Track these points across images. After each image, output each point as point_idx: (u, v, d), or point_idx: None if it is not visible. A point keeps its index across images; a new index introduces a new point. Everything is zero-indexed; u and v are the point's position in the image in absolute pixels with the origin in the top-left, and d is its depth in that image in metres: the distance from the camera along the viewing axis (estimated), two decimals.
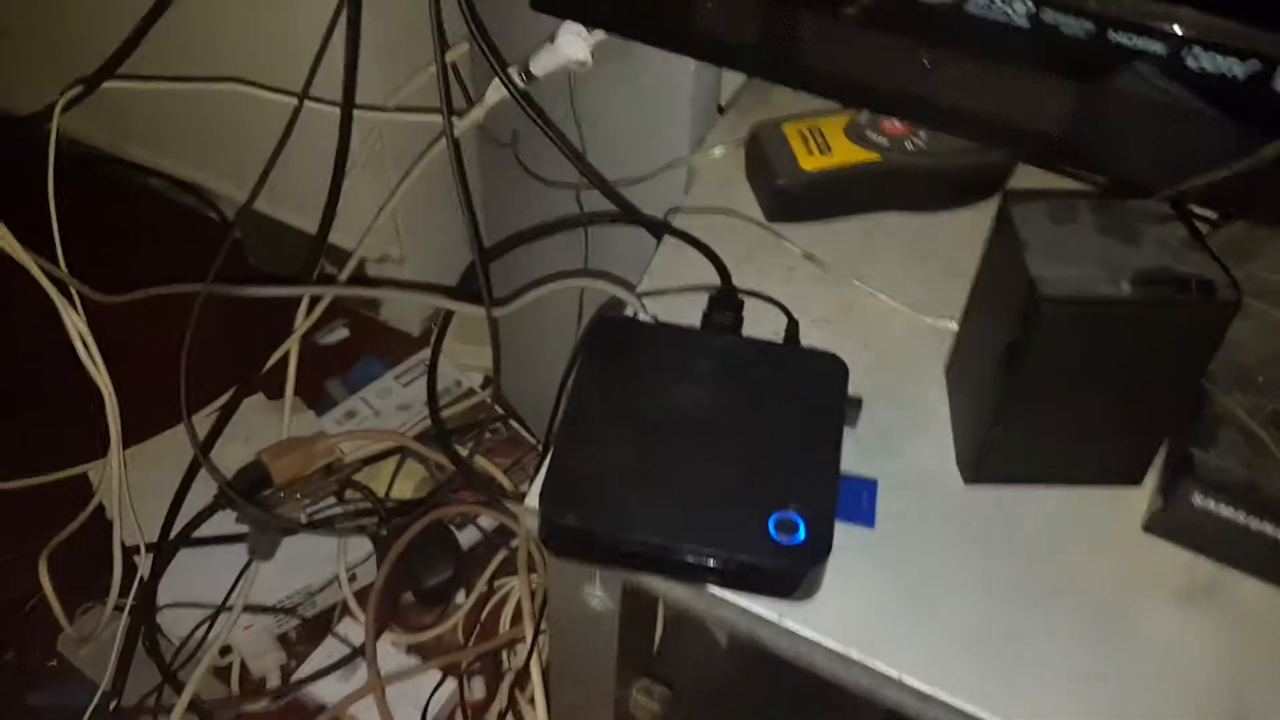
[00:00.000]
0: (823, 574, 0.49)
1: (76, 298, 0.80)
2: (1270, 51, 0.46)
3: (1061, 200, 0.51)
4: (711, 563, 0.48)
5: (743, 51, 0.57)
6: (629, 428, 0.51)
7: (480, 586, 1.05)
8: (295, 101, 0.74)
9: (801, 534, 0.48)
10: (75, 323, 0.80)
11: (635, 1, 0.58)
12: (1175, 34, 0.47)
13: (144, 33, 0.72)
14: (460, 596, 1.05)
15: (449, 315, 0.97)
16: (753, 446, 0.51)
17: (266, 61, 0.98)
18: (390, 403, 1.16)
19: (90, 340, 0.81)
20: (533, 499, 0.50)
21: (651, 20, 0.58)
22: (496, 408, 1.13)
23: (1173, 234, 0.49)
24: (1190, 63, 0.47)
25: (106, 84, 0.75)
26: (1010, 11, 0.49)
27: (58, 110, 0.76)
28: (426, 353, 1.22)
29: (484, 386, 1.18)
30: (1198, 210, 0.59)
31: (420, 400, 1.16)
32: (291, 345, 0.98)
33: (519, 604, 1.02)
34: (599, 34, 0.64)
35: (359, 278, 1.12)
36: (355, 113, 0.75)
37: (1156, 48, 0.47)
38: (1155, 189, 0.51)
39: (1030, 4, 0.48)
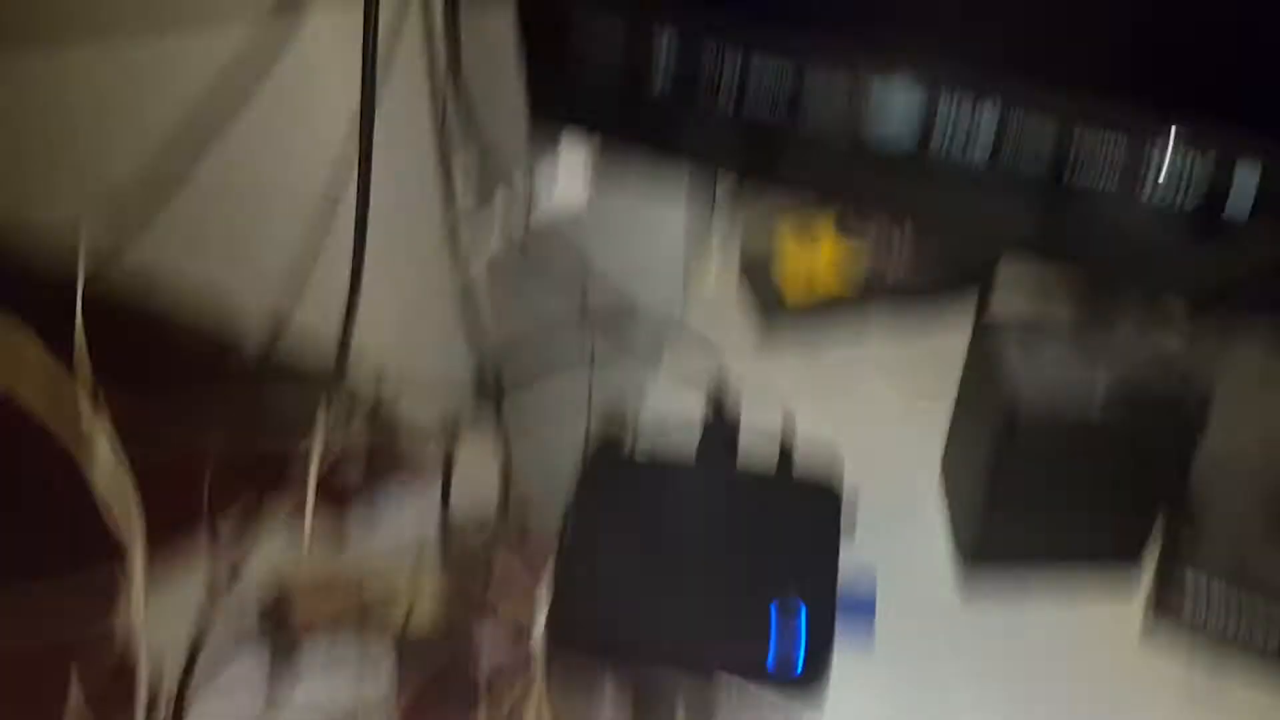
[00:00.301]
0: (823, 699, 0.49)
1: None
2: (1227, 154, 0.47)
3: (1032, 323, 0.53)
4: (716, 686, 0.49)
5: (730, 162, 0.60)
6: (631, 554, 0.53)
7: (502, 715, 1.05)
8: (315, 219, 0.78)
9: (800, 666, 0.49)
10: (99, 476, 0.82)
11: (629, 120, 0.60)
12: (1140, 141, 0.48)
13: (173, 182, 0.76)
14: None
15: (459, 431, 0.99)
16: (752, 571, 0.52)
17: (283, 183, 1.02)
18: (410, 518, 1.18)
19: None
20: (539, 628, 0.52)
21: (643, 134, 0.61)
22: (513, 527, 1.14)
23: (1145, 340, 0.51)
24: (1156, 169, 0.49)
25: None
26: (976, 123, 0.51)
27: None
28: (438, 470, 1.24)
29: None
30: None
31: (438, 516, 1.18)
32: (312, 474, 1.00)
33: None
34: (592, 173, 0.67)
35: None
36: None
37: (1118, 153, 0.49)
38: (1130, 286, 0.53)
39: (996, 110, 0.50)
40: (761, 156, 0.59)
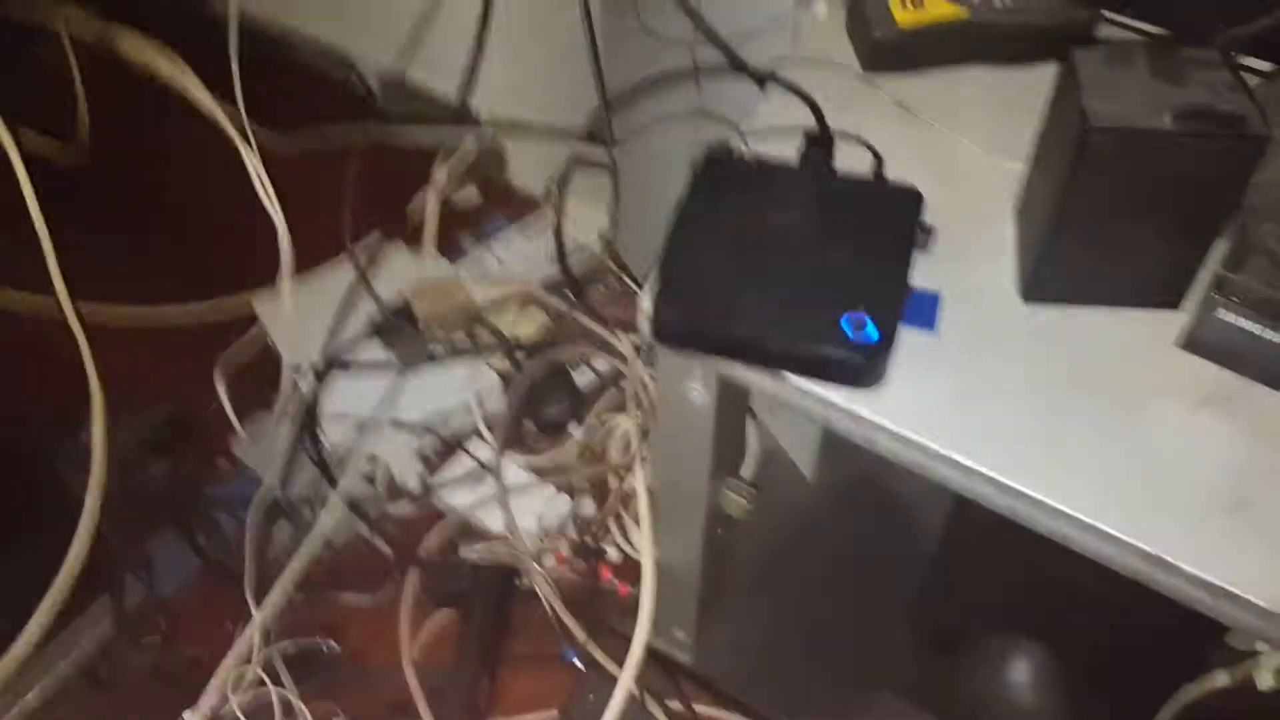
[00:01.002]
0: (886, 365, 0.58)
1: (254, 141, 0.93)
2: None
3: (1119, 47, 0.57)
4: (792, 351, 0.57)
5: None
6: (729, 242, 0.61)
7: (592, 420, 1.17)
8: None
9: (869, 330, 0.57)
10: (254, 162, 0.92)
11: None
12: None
13: None
14: (574, 428, 1.17)
15: (569, 172, 1.07)
16: (835, 260, 0.60)
17: None
18: (515, 254, 1.27)
19: (266, 177, 0.93)
20: (644, 300, 0.60)
21: None
22: (610, 262, 1.24)
23: (1217, 78, 0.56)
24: None
25: None
26: None
27: None
28: (548, 211, 1.32)
29: (600, 243, 1.28)
30: (1255, 63, 0.65)
31: (542, 254, 1.27)
32: (431, 195, 1.10)
33: (626, 436, 1.13)
34: None
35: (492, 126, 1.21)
36: None
37: None
38: (1209, 37, 0.57)
39: None
40: None
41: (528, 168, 1.37)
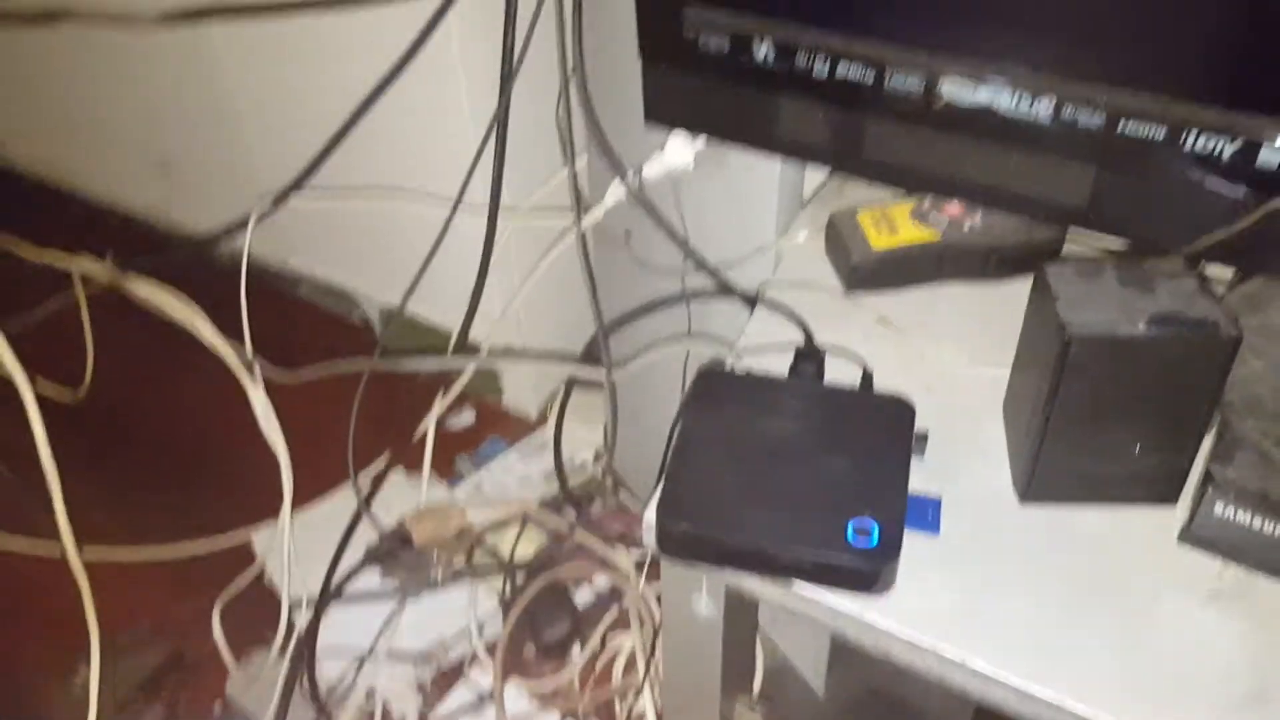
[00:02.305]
0: (895, 572, 0.58)
1: (259, 375, 0.95)
2: (1251, 133, 0.56)
3: (1088, 261, 0.61)
4: (800, 561, 0.58)
5: (817, 150, 0.70)
6: (729, 455, 0.62)
7: (595, 642, 1.15)
8: (445, 209, 0.89)
9: (875, 537, 0.58)
10: (258, 396, 0.95)
11: (731, 114, 0.71)
12: (1172, 120, 0.57)
13: (326, 155, 0.88)
14: (577, 650, 1.15)
15: (567, 394, 1.10)
16: (834, 469, 0.61)
17: (412, 180, 1.15)
18: (512, 477, 1.29)
19: (270, 410, 0.96)
20: (649, 515, 0.61)
21: (744, 128, 0.71)
22: (608, 480, 1.25)
23: (1185, 286, 0.59)
24: (1187, 144, 0.58)
25: (291, 200, 0.91)
26: (1035, 108, 0.60)
27: (252, 221, 0.93)
28: (544, 432, 1.35)
29: (595, 462, 1.30)
30: (1217, 268, 0.69)
31: (539, 474, 1.29)
32: (430, 422, 1.12)
33: (630, 656, 1.11)
34: (700, 142, 0.77)
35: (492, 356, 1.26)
36: (498, 215, 0.89)
37: (1158, 132, 0.58)
38: (1171, 248, 0.61)
39: (1051, 101, 0.60)
40: (847, 150, 0.69)
41: (523, 391, 1.41)
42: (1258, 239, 0.59)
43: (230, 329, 0.97)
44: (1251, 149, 0.56)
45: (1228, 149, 0.57)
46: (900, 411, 0.65)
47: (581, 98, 0.77)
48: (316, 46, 1.16)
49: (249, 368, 0.94)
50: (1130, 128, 0.59)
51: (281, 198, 0.92)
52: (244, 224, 0.95)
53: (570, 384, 1.02)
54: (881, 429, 0.64)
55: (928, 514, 0.62)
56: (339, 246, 1.43)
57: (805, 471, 0.61)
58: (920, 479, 0.63)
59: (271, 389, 0.96)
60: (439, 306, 1.30)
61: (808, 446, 0.62)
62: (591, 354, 0.93)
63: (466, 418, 1.42)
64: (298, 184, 0.90)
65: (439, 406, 1.12)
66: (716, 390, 0.66)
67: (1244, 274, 0.68)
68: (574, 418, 1.31)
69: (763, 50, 0.66)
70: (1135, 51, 0.58)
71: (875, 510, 0.58)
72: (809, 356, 0.69)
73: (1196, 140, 0.57)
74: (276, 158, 1.01)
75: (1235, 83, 0.56)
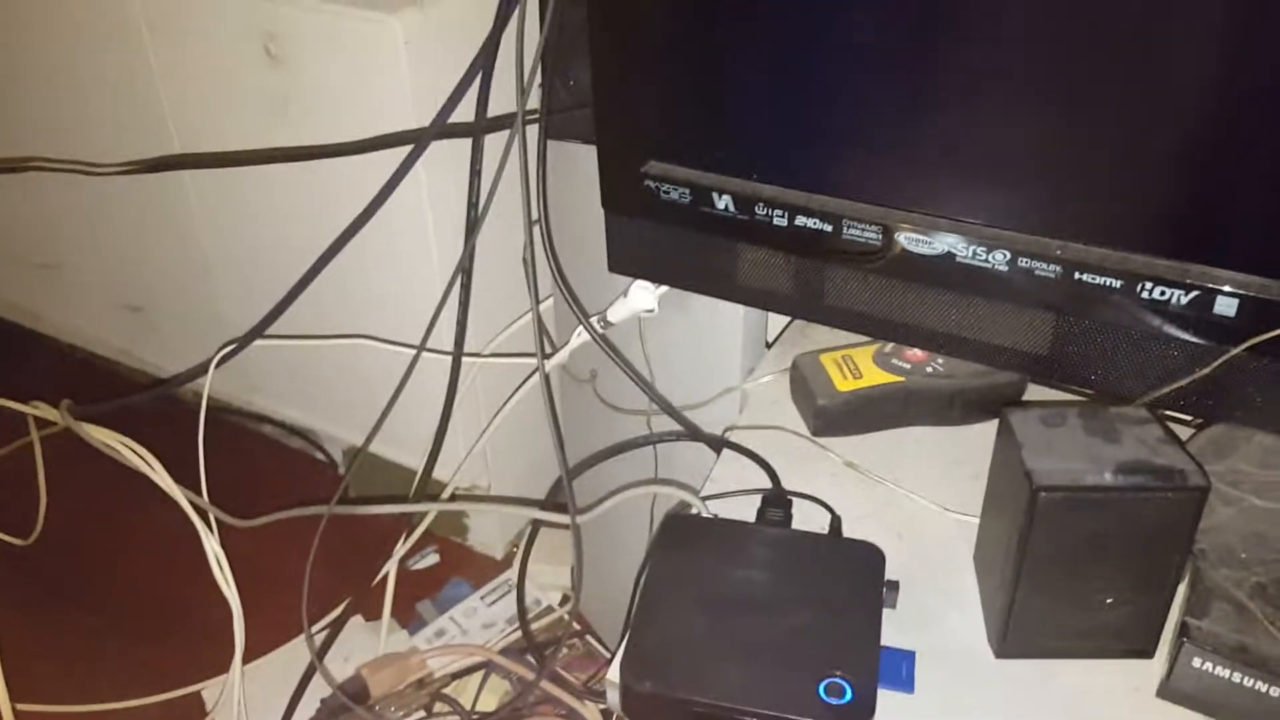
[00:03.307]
0: None
1: (215, 524, 0.93)
2: (1205, 284, 0.57)
3: (1052, 408, 0.61)
4: None
5: (778, 298, 0.70)
6: (696, 607, 0.60)
7: None
8: (410, 353, 0.89)
9: (848, 696, 0.55)
10: (213, 546, 0.92)
11: (693, 263, 0.71)
12: (1127, 272, 0.58)
13: (292, 300, 0.88)
14: None
15: (533, 536, 1.08)
16: (804, 622, 0.59)
17: (378, 323, 1.14)
18: (476, 621, 1.25)
19: (225, 561, 0.93)
20: (614, 672, 0.59)
21: (706, 276, 0.72)
22: (574, 624, 1.21)
23: (1149, 433, 0.59)
24: (1143, 294, 0.59)
25: (255, 342, 0.91)
26: (991, 259, 0.61)
27: (213, 364, 0.92)
28: (510, 574, 1.32)
29: (562, 604, 1.26)
30: (1181, 416, 0.69)
31: (503, 618, 1.25)
32: (391, 567, 1.10)
33: None
34: (664, 288, 0.78)
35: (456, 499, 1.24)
36: (462, 359, 0.89)
37: (1114, 283, 0.59)
38: (1133, 397, 0.62)
39: (1007, 253, 0.61)
40: (807, 297, 0.69)
41: (488, 530, 1.38)
42: (1218, 386, 0.60)
43: (190, 472, 0.95)
44: (1207, 298, 0.57)
45: (1183, 299, 0.58)
46: (870, 559, 0.63)
47: (546, 244, 0.78)
48: (286, 194, 1.17)
49: (204, 515, 0.92)
50: (1086, 278, 0.60)
51: (245, 342, 0.91)
52: (206, 368, 0.94)
53: (536, 527, 1.00)
54: (852, 578, 0.62)
55: (901, 670, 0.60)
56: (304, 387, 1.42)
57: (774, 625, 0.59)
58: (893, 631, 0.62)
59: (230, 533, 0.94)
60: (404, 446, 1.28)
61: (777, 597, 0.61)
62: (557, 497, 0.91)
63: (430, 559, 1.38)
64: (260, 330, 0.90)
65: (400, 550, 1.10)
66: (683, 538, 0.65)
67: (1207, 420, 0.69)
68: (541, 559, 1.29)
69: (721, 202, 0.68)
70: (1088, 205, 0.59)
71: (847, 668, 0.56)
72: (776, 502, 0.68)
73: (1152, 291, 0.58)
74: (244, 302, 1.01)
75: (1187, 235, 0.57)
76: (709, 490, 0.72)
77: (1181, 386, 0.60)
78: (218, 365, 0.92)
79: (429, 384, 0.93)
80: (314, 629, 1.14)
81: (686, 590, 0.61)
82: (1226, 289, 0.56)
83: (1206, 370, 0.59)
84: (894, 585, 0.63)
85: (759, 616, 0.60)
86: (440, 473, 1.10)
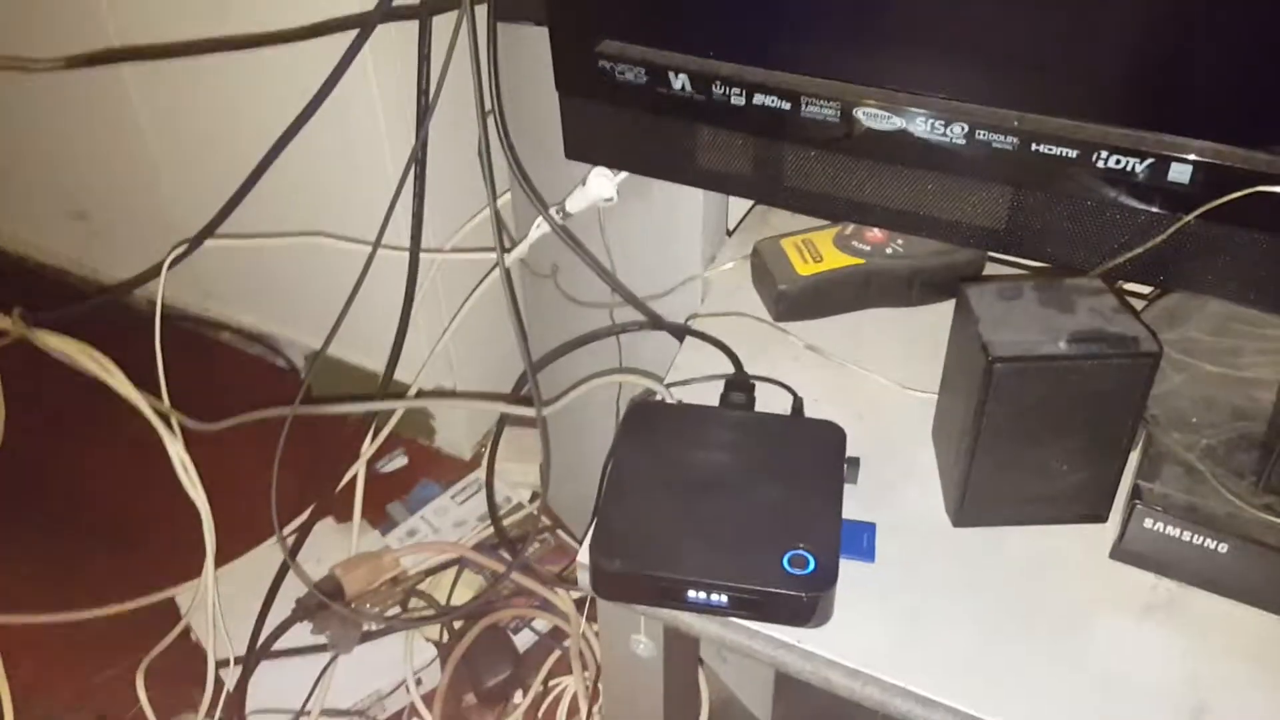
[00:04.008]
0: (832, 602, 0.58)
1: (178, 428, 0.92)
2: (1160, 151, 0.57)
3: (1008, 282, 0.62)
4: (737, 594, 0.57)
5: (738, 181, 0.70)
6: (663, 489, 0.61)
7: (537, 686, 1.12)
8: (366, 250, 0.87)
9: (811, 566, 0.57)
10: (177, 450, 0.92)
11: (651, 147, 0.70)
12: (1084, 142, 0.58)
13: (242, 197, 0.86)
14: (518, 696, 1.12)
15: (499, 433, 1.08)
16: (768, 499, 0.61)
17: (332, 221, 1.13)
18: (447, 520, 1.26)
19: (190, 465, 0.92)
20: (583, 554, 0.60)
21: (665, 160, 0.71)
22: (544, 518, 1.23)
23: (1103, 303, 0.60)
24: (1099, 164, 0.59)
25: (207, 243, 0.89)
26: (949, 133, 0.61)
27: (165, 266, 0.90)
28: (479, 473, 1.32)
29: (531, 501, 1.28)
30: (1135, 286, 0.70)
31: (474, 516, 1.26)
32: (359, 468, 1.10)
33: (574, 699, 1.09)
34: (623, 174, 0.77)
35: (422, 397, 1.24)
36: (420, 255, 0.88)
37: (1070, 153, 0.59)
38: (1088, 268, 0.62)
39: (965, 126, 0.60)
40: (767, 179, 0.69)
41: (455, 431, 1.38)
42: (1172, 255, 0.60)
43: (149, 380, 0.94)
44: (1161, 166, 0.57)
45: (1138, 167, 0.58)
46: (831, 437, 0.64)
47: (501, 134, 0.76)
48: (230, 87, 1.14)
49: (166, 420, 0.91)
50: (1043, 149, 0.60)
51: (196, 243, 0.89)
52: (158, 271, 0.92)
53: (502, 423, 1.01)
54: (813, 456, 0.63)
55: (862, 541, 0.61)
56: (260, 291, 1.40)
57: (738, 503, 0.60)
58: (854, 505, 0.63)
59: (192, 441, 0.93)
60: (365, 349, 1.28)
61: (741, 477, 0.62)
62: (523, 392, 0.91)
63: (398, 461, 1.39)
64: (211, 229, 0.88)
65: (367, 450, 1.10)
66: (648, 424, 0.65)
67: (1162, 290, 0.70)
68: (509, 456, 1.29)
69: (678, 82, 0.66)
70: (1044, 76, 0.58)
71: (810, 541, 0.58)
72: (739, 386, 0.69)
73: (1108, 160, 0.58)
74: (194, 204, 0.98)
75: (1142, 103, 0.57)
76: (673, 378, 0.72)
77: (1136, 256, 0.61)
78: (169, 267, 0.90)
79: (388, 283, 0.92)
80: (284, 532, 1.14)
81: (652, 473, 0.62)
82: (1181, 156, 0.56)
83: (1161, 238, 0.59)
84: (855, 461, 0.64)
85: (723, 495, 0.61)
86: (403, 374, 1.10)
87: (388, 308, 0.93)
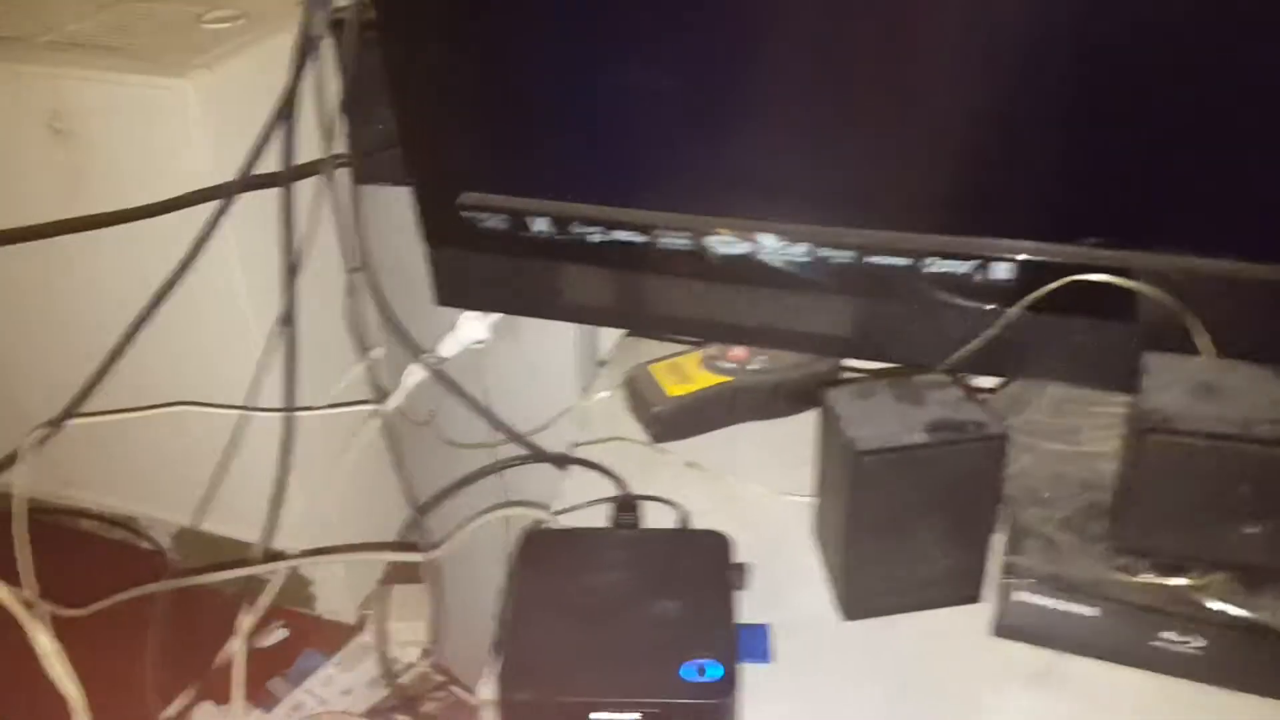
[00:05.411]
0: (736, 705, 0.59)
1: (45, 618, 0.88)
2: (981, 253, 0.63)
3: (864, 383, 0.66)
4: (646, 709, 0.57)
5: (604, 312, 0.73)
6: (564, 614, 0.62)
7: None
8: (232, 417, 0.87)
9: (713, 673, 0.58)
10: (46, 640, 0.87)
11: (518, 288, 0.74)
12: (915, 253, 0.64)
13: (104, 373, 0.84)
14: None
15: (386, 593, 1.07)
16: (665, 612, 0.62)
17: (192, 392, 1.11)
18: (334, 689, 1.21)
19: (60, 653, 0.87)
20: (490, 688, 0.60)
21: (533, 299, 0.74)
22: (437, 674, 1.20)
23: (950, 395, 0.65)
24: (929, 269, 0.65)
25: (67, 424, 0.87)
26: (791, 254, 0.66)
27: (25, 447, 0.87)
28: (363, 637, 1.29)
29: (423, 659, 1.24)
30: (979, 378, 0.76)
31: (362, 683, 1.22)
32: (238, 645, 1.05)
33: None
34: (493, 316, 0.79)
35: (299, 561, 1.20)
36: (294, 416, 0.87)
37: (901, 262, 0.65)
38: (933, 365, 0.68)
39: (806, 245, 0.66)
40: (631, 309, 0.73)
41: (336, 595, 1.34)
42: (1004, 346, 0.66)
43: (6, 571, 0.90)
44: (984, 267, 0.64)
45: (963, 269, 0.64)
46: (717, 546, 0.67)
47: (372, 289, 0.78)
48: (84, 269, 1.12)
49: (29, 608, 0.86)
50: (877, 260, 0.65)
51: (57, 422, 0.87)
52: (12, 460, 0.89)
53: (387, 579, 0.99)
54: (703, 565, 0.65)
55: (758, 643, 0.63)
56: (120, 471, 1.35)
57: (638, 620, 0.61)
58: (748, 610, 0.65)
59: (61, 631, 0.88)
60: (235, 520, 1.24)
61: (637, 594, 0.63)
62: (407, 536, 0.91)
63: (277, 634, 1.33)
64: (73, 409, 0.86)
65: (244, 626, 1.06)
66: (542, 551, 0.66)
67: (1004, 379, 0.76)
68: (395, 615, 1.27)
69: (539, 224, 0.70)
70: (870, 195, 0.65)
71: (709, 648, 0.59)
72: (626, 507, 0.71)
73: (935, 265, 0.64)
74: (47, 386, 0.96)
75: (961, 211, 0.63)
76: (559, 506, 0.74)
77: (974, 350, 0.66)
78: (30, 449, 0.87)
79: (254, 449, 0.91)
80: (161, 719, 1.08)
81: (552, 600, 0.63)
82: (1001, 255, 0.63)
83: (991, 333, 0.65)
84: (744, 567, 0.67)
85: (623, 614, 0.62)
86: (279, 542, 1.08)
87: (256, 475, 0.92)
